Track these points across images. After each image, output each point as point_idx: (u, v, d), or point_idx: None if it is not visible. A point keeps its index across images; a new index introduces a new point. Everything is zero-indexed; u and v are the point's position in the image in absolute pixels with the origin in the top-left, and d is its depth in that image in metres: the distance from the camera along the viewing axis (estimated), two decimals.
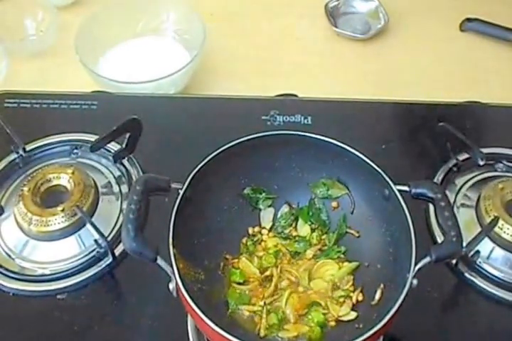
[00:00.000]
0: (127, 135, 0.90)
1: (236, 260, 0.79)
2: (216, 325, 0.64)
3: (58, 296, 0.81)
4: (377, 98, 1.03)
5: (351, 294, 0.75)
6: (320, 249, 0.80)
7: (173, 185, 0.72)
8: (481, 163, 0.87)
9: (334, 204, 0.82)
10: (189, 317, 0.78)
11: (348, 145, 0.76)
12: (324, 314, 0.74)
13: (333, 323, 0.74)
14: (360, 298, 0.75)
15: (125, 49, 1.14)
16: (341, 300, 0.75)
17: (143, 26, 1.15)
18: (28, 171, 0.93)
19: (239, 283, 0.77)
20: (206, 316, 0.64)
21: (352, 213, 0.80)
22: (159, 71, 1.04)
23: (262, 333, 0.73)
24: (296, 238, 0.81)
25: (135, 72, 1.09)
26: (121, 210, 0.89)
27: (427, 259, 0.66)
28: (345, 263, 0.78)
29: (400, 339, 0.79)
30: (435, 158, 0.94)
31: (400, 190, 0.72)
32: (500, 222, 0.82)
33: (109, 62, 1.11)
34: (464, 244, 0.76)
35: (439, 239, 0.84)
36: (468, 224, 0.86)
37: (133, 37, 1.15)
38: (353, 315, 0.74)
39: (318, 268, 0.78)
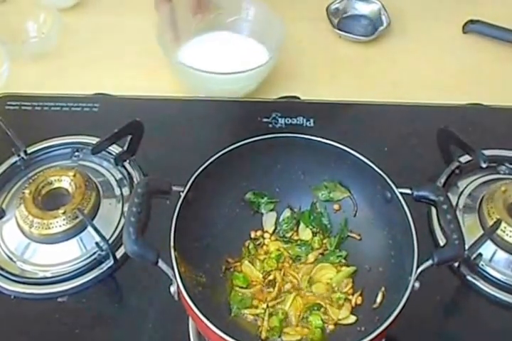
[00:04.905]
0: (129, 137, 0.90)
1: (238, 263, 0.79)
2: (217, 327, 0.63)
3: (59, 299, 0.81)
4: (380, 100, 1.03)
5: (350, 297, 0.76)
6: (321, 253, 0.80)
7: (175, 188, 0.72)
8: (484, 165, 0.86)
9: (336, 206, 0.82)
10: (190, 321, 0.78)
11: (350, 148, 0.76)
12: (323, 318, 0.74)
13: (332, 326, 0.74)
14: (359, 301, 0.75)
15: (202, 41, 1.11)
16: (340, 302, 0.75)
17: (224, 20, 1.12)
18: (30, 174, 0.93)
19: (241, 287, 0.77)
20: (207, 319, 0.64)
21: (354, 216, 0.80)
22: (237, 67, 1.00)
23: (264, 335, 0.73)
24: (298, 242, 0.81)
25: (209, 65, 1.03)
26: (122, 213, 0.89)
27: (429, 262, 0.66)
28: (344, 268, 0.78)
29: None
30: (437, 161, 0.94)
31: (402, 193, 0.72)
32: (503, 225, 0.82)
33: (186, 55, 1.08)
34: (467, 247, 0.76)
35: (442, 241, 0.84)
36: (471, 227, 0.86)
37: (212, 30, 1.12)
38: (352, 318, 0.74)
39: (317, 272, 0.78)
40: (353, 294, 0.76)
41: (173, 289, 0.67)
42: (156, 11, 1.06)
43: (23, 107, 1.01)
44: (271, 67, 1.03)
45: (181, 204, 0.71)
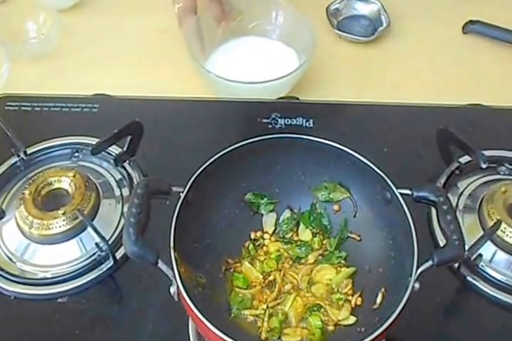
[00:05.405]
0: (128, 138, 0.90)
1: (238, 264, 0.79)
2: (217, 328, 0.63)
3: (59, 300, 0.81)
4: (379, 101, 1.03)
5: (350, 298, 0.76)
6: (321, 254, 0.80)
7: (174, 189, 0.72)
8: (484, 165, 0.86)
9: (336, 207, 0.81)
10: (190, 322, 0.78)
11: (350, 149, 0.76)
12: (323, 319, 0.74)
13: (332, 327, 0.74)
14: (359, 302, 0.75)
15: (229, 48, 1.11)
16: (340, 303, 0.75)
17: (247, 25, 1.12)
18: (29, 174, 0.93)
19: (241, 288, 0.77)
20: (207, 320, 0.64)
21: (354, 217, 0.80)
22: (265, 73, 1.00)
23: (263, 336, 0.73)
24: (298, 243, 0.81)
25: (240, 72, 1.04)
26: (122, 214, 0.88)
27: (429, 263, 0.66)
28: (343, 269, 0.78)
29: None
30: (437, 161, 0.94)
31: (401, 194, 0.72)
32: (503, 225, 0.82)
33: (214, 61, 1.09)
34: (467, 248, 0.76)
35: (441, 242, 0.84)
36: (471, 228, 0.86)
37: (238, 36, 1.12)
38: (352, 319, 0.74)
39: (316, 273, 0.78)
40: (352, 295, 0.76)
41: (172, 290, 0.67)
42: (180, 26, 1.06)
43: (22, 108, 1.01)
44: (303, 71, 1.03)
45: (181, 205, 0.71)
